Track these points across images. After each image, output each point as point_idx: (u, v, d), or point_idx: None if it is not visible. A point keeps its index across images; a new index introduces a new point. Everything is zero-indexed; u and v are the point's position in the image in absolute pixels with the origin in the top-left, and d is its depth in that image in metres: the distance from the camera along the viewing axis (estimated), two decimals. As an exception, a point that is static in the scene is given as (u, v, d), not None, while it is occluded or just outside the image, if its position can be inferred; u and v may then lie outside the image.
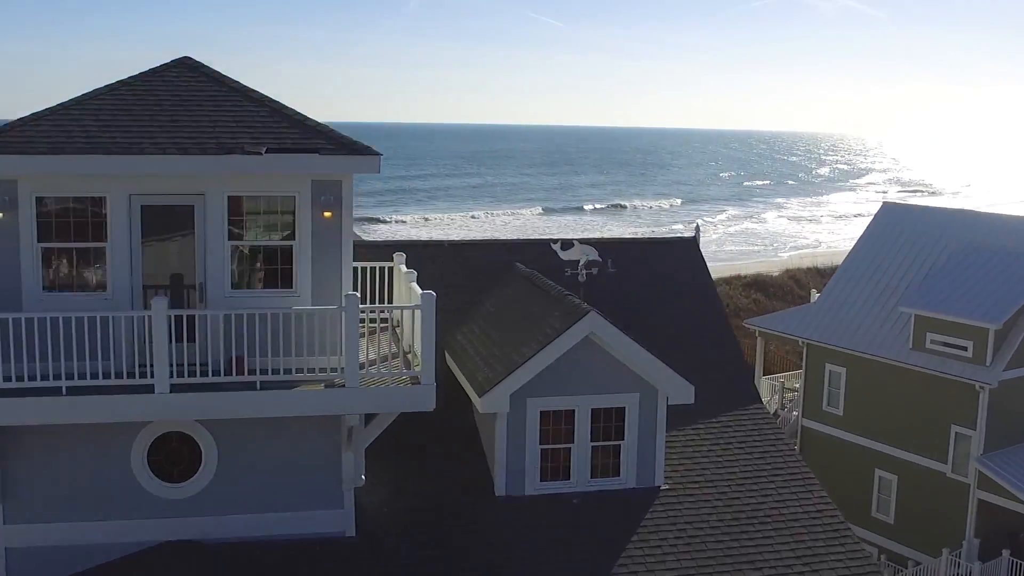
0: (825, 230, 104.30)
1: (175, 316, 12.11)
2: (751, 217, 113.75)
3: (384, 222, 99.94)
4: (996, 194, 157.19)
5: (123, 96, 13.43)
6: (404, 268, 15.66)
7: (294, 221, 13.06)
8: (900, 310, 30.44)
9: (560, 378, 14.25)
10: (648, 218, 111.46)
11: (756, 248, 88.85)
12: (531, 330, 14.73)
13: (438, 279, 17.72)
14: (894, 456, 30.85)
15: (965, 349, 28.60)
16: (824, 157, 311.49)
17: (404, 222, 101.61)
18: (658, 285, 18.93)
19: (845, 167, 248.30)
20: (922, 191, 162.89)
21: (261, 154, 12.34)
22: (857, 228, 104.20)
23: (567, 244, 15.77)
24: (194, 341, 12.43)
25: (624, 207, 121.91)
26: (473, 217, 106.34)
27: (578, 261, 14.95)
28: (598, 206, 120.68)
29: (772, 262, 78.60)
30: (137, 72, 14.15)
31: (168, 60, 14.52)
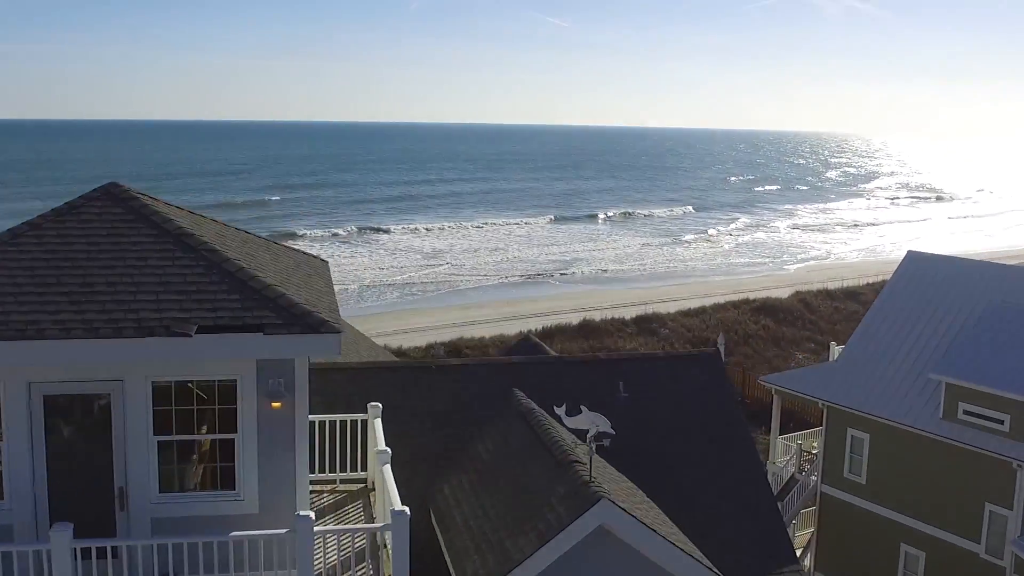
0: (835, 240, 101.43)
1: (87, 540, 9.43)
2: (761, 226, 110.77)
3: (386, 231, 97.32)
4: (1008, 200, 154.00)
5: (27, 248, 10.61)
6: (381, 437, 12.81)
7: (235, 410, 10.42)
8: (929, 377, 27.88)
9: (564, 572, 11.56)
10: (659, 227, 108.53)
11: (764, 260, 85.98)
12: (530, 509, 12.03)
13: (426, 409, 15.20)
14: (922, 531, 28.27)
15: (1001, 423, 26.02)
16: (831, 159, 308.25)
17: (416, 229, 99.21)
18: (679, 409, 16.32)
19: (853, 170, 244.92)
20: (930, 197, 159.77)
21: (190, 336, 9.70)
22: (868, 238, 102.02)
23: (573, 410, 13.20)
24: (110, 558, 9.68)
25: (634, 215, 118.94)
26: (480, 227, 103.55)
27: (586, 431, 12.37)
28: (609, 214, 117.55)
29: (780, 277, 75.89)
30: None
31: (95, 188, 11.77)
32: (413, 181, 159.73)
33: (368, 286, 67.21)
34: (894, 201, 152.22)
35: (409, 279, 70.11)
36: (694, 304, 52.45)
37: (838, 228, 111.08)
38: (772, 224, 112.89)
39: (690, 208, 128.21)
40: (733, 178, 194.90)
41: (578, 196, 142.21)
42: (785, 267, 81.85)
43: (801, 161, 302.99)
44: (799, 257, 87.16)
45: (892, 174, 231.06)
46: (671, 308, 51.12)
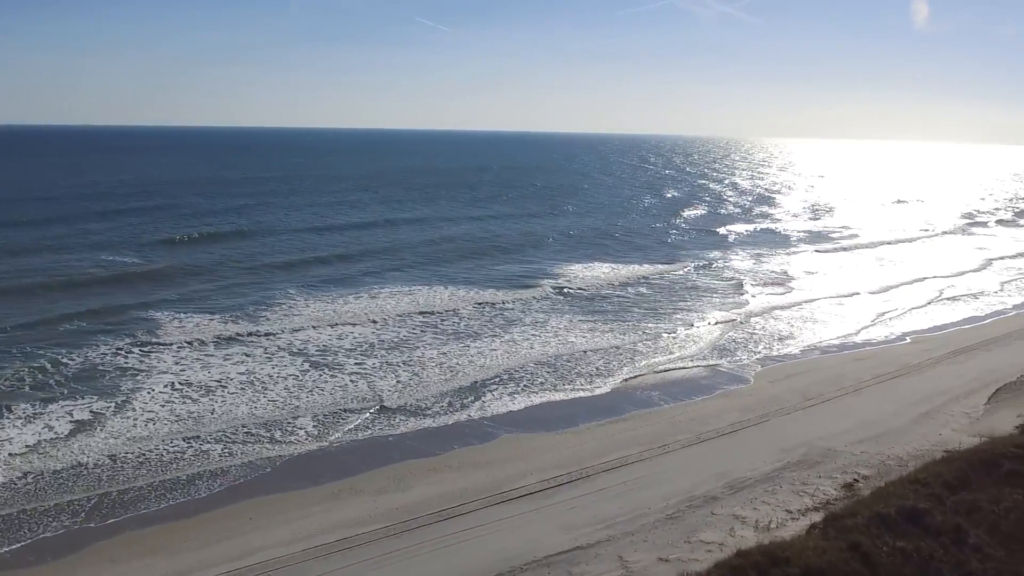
0: (797, 319, 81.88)
1: None
2: (735, 295, 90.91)
3: (279, 334, 75.54)
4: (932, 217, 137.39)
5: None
6: None
7: None
8: None
9: None
10: (655, 301, 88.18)
11: (719, 362, 66.22)
12: None
13: None
14: None
15: None
16: (760, 184, 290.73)
17: (303, 328, 76.94)
18: None
19: (806, 205, 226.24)
20: (865, 244, 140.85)
21: None
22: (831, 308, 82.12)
23: None
24: None
25: (631, 283, 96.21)
26: (414, 312, 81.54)
27: None
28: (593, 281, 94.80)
29: (739, 399, 56.58)
30: None
31: None
32: (348, 226, 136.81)
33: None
34: (846, 245, 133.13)
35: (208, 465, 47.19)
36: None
37: (825, 302, 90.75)
38: (746, 291, 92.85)
39: (692, 266, 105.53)
40: (689, 212, 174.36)
41: (539, 247, 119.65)
42: (746, 373, 62.22)
43: (726, 178, 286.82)
44: (760, 354, 67.10)
45: (841, 198, 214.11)
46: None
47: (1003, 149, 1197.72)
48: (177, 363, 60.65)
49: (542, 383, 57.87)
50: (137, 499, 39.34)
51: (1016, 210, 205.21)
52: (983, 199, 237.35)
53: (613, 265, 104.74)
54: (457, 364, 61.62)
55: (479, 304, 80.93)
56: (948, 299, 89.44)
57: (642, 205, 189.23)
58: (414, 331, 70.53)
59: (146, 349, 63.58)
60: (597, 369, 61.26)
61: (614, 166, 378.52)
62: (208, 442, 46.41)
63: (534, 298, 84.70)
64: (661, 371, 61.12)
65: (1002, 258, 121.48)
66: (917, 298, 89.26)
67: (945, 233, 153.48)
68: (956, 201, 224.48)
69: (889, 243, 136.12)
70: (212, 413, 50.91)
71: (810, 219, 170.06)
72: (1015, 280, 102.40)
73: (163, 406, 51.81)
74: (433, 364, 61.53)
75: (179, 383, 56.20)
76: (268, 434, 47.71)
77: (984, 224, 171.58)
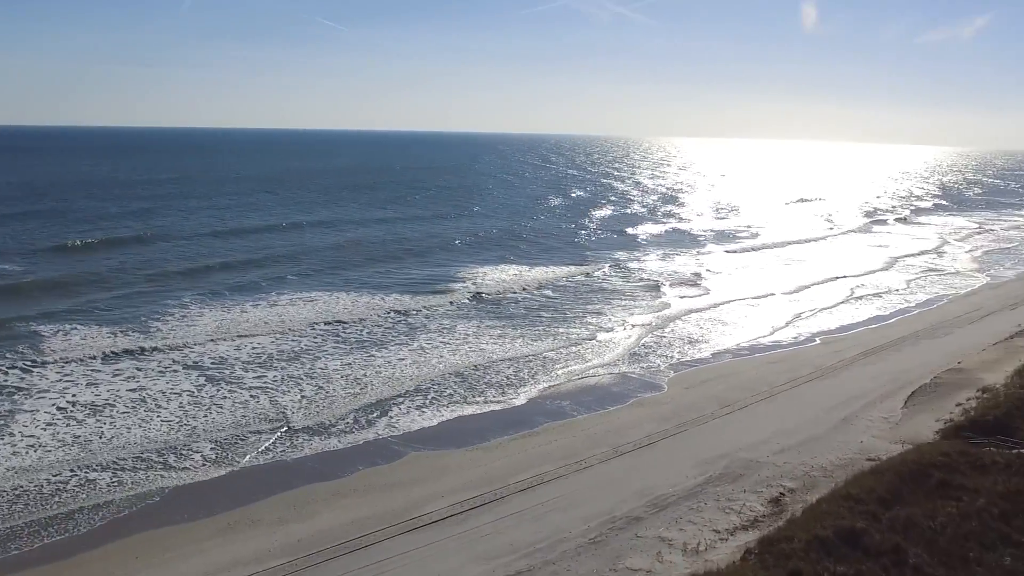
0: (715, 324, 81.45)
1: None
2: (642, 295, 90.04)
3: (164, 349, 71.58)
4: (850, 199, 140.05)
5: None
6: None
7: None
8: None
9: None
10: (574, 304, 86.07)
11: (653, 363, 65.05)
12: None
13: None
14: None
15: None
16: (663, 183, 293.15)
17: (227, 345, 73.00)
18: None
19: (710, 204, 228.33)
20: (770, 243, 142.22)
21: None
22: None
23: None
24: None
25: (539, 286, 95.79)
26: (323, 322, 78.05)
27: None
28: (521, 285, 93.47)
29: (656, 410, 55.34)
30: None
31: None
32: (248, 230, 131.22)
33: None
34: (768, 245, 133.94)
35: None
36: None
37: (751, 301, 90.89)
38: (658, 293, 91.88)
39: (602, 268, 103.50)
40: (601, 212, 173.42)
41: (446, 249, 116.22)
42: (660, 379, 60.99)
43: (635, 178, 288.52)
44: (673, 359, 66.05)
45: (738, 197, 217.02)
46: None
47: (889, 148, 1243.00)
48: (62, 381, 56.58)
49: (451, 395, 55.55)
50: (5, 540, 35.67)
51: (912, 208, 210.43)
52: (879, 197, 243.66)
53: (523, 267, 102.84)
54: (363, 376, 58.84)
55: (385, 311, 78.01)
56: (856, 299, 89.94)
57: (549, 205, 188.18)
58: (316, 340, 67.54)
59: (28, 366, 59.24)
60: (508, 379, 59.21)
61: (517, 166, 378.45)
62: (95, 470, 42.88)
63: (443, 303, 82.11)
64: (574, 380, 59.34)
65: (905, 256, 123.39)
66: (829, 298, 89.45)
67: (849, 232, 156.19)
68: (855, 199, 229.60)
69: (797, 242, 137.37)
70: (100, 437, 47.22)
71: (717, 218, 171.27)
72: (918, 279, 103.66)
73: (45, 429, 47.96)
74: (338, 376, 58.65)
75: (64, 403, 52.27)
76: (161, 459, 44.38)
77: (884, 222, 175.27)
